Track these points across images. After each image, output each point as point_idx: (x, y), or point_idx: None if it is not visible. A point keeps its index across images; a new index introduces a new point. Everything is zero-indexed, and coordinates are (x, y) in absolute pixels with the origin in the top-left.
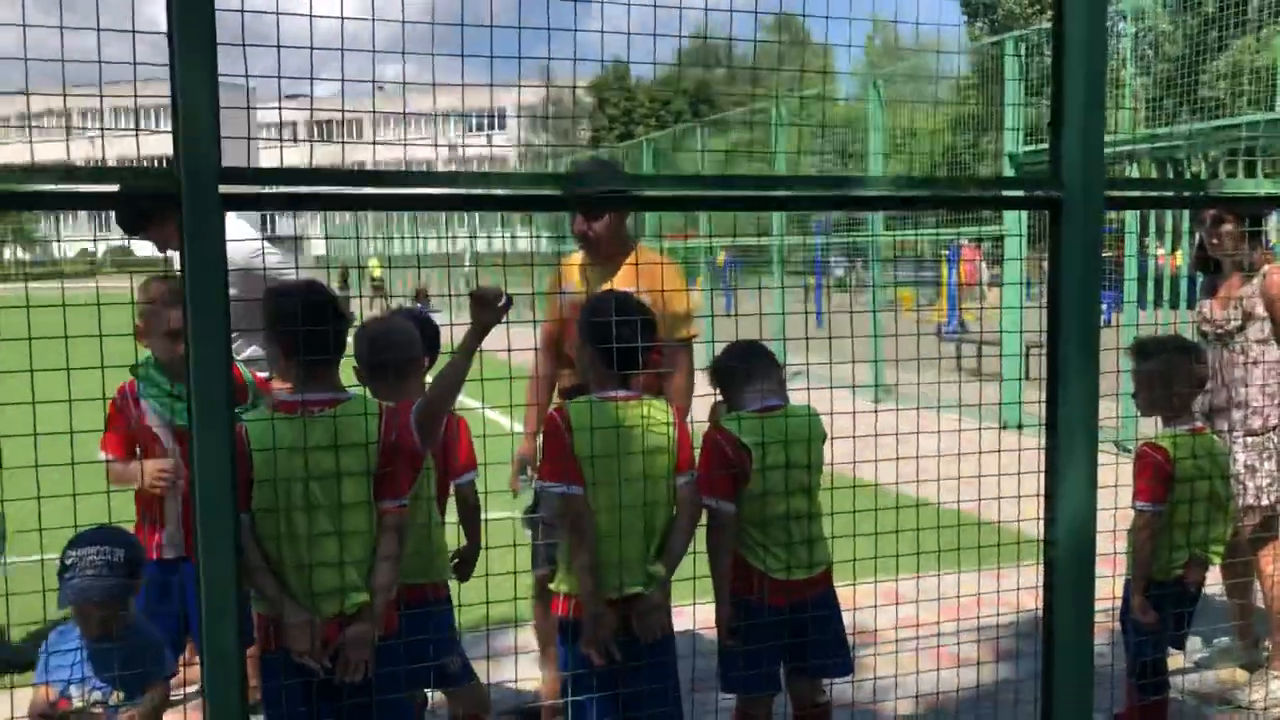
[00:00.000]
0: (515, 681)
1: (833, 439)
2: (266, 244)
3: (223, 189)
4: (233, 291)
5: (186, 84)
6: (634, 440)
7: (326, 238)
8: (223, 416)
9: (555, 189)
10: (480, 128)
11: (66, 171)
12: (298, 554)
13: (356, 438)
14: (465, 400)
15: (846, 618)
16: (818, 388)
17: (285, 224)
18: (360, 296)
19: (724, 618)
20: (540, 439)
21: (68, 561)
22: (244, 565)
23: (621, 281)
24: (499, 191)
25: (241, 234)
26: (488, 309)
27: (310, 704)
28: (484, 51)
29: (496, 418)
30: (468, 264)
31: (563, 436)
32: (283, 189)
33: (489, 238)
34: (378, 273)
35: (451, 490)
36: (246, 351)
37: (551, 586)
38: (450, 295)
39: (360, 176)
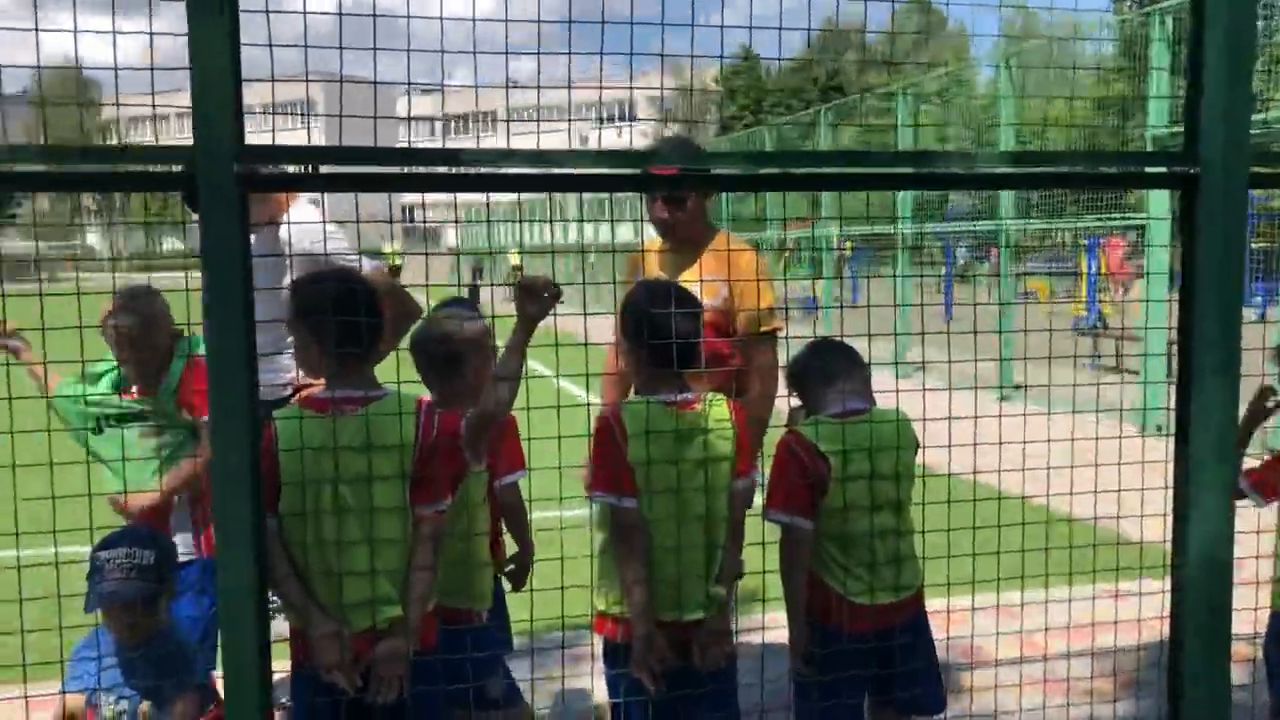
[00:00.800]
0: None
1: (952, 443)
2: (331, 228)
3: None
4: (287, 279)
5: (200, 53)
6: (694, 448)
7: (456, 222)
8: (243, 413)
9: (630, 168)
10: (611, 119)
11: (81, 152)
12: (326, 562)
13: (391, 438)
14: (538, 368)
15: (948, 640)
16: (933, 389)
17: (417, 213)
18: (491, 285)
19: (798, 644)
20: (590, 444)
21: (96, 563)
22: (270, 572)
23: (700, 270)
24: (565, 171)
25: (308, 217)
26: (535, 300)
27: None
28: (613, 45)
29: (570, 388)
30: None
31: (615, 442)
32: (287, 174)
33: (606, 222)
34: (516, 260)
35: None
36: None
37: (600, 606)
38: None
39: (391, 155)
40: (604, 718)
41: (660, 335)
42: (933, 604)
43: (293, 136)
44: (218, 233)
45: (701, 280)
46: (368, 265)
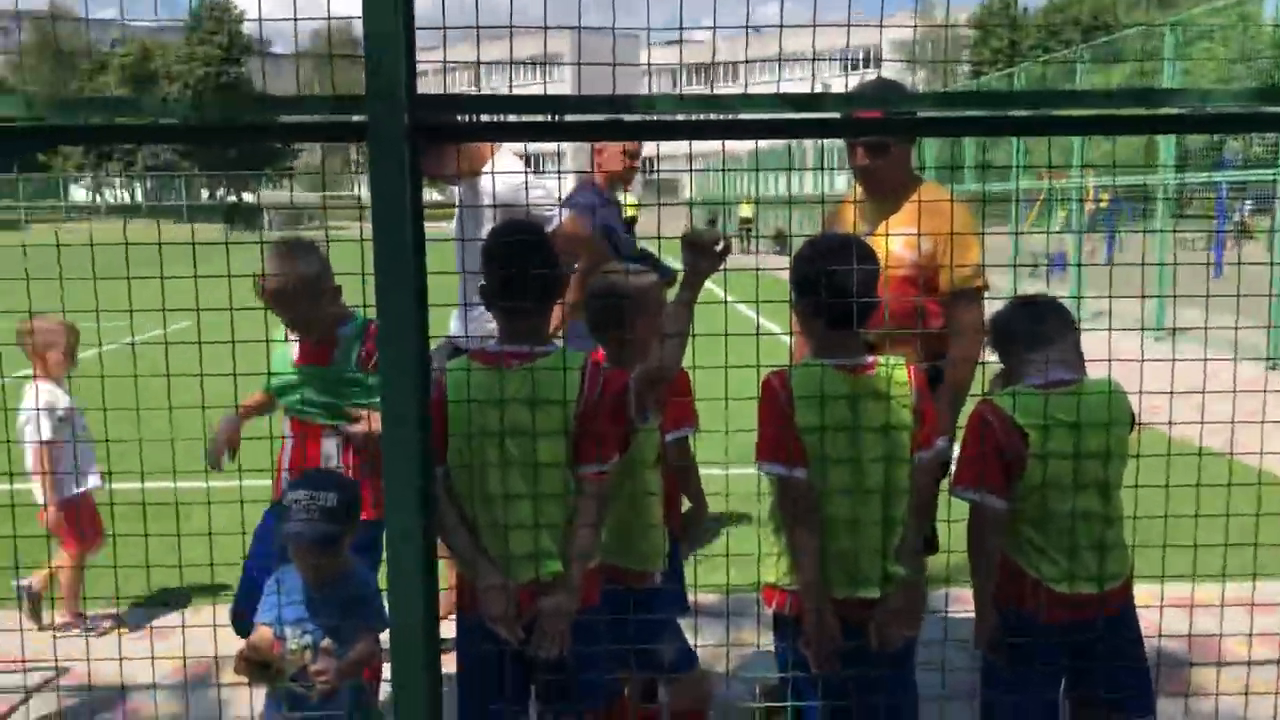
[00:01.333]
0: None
1: (1204, 416)
2: (534, 179)
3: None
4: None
5: (371, 4)
6: (870, 414)
7: (690, 171)
8: (413, 370)
9: (828, 111)
10: (855, 67)
11: (258, 100)
12: (491, 514)
13: (554, 394)
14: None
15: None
16: (1188, 358)
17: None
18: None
19: (985, 631)
20: (757, 409)
21: (285, 502)
22: (439, 522)
23: (901, 222)
24: (756, 116)
25: (510, 168)
26: (704, 255)
27: (504, 672)
28: None
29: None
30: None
31: (783, 408)
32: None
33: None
34: (748, 212)
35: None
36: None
37: (768, 578)
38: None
39: (552, 103)
40: (771, 689)
41: (834, 292)
42: (1176, 592)
43: (534, 90)
44: (387, 185)
45: (888, 233)
46: (567, 216)
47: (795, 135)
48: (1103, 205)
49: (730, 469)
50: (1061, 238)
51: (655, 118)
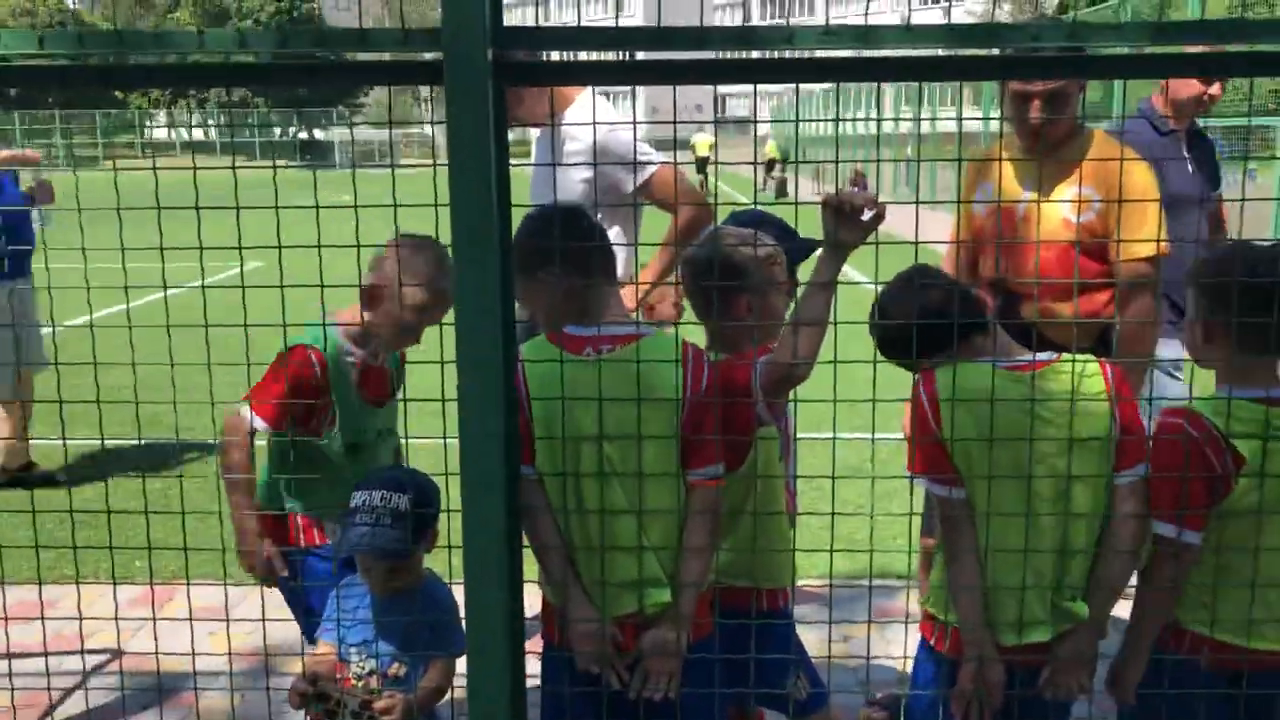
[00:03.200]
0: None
1: None
2: (621, 125)
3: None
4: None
5: None
6: (1050, 425)
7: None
8: (494, 343)
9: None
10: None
11: (317, 36)
12: (587, 533)
13: (659, 387)
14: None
15: None
16: None
17: (736, 105)
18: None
19: (1132, 676)
20: (908, 416)
21: (354, 503)
22: (534, 535)
23: (1068, 181)
24: (921, 52)
25: (594, 111)
26: (849, 225)
27: (598, 716)
28: None
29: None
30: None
31: (928, 417)
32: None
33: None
34: (774, 153)
35: None
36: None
37: (925, 605)
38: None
39: (659, 36)
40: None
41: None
42: None
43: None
44: (467, 131)
45: (1058, 199)
46: (656, 158)
47: (965, 77)
48: None
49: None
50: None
51: (793, 54)
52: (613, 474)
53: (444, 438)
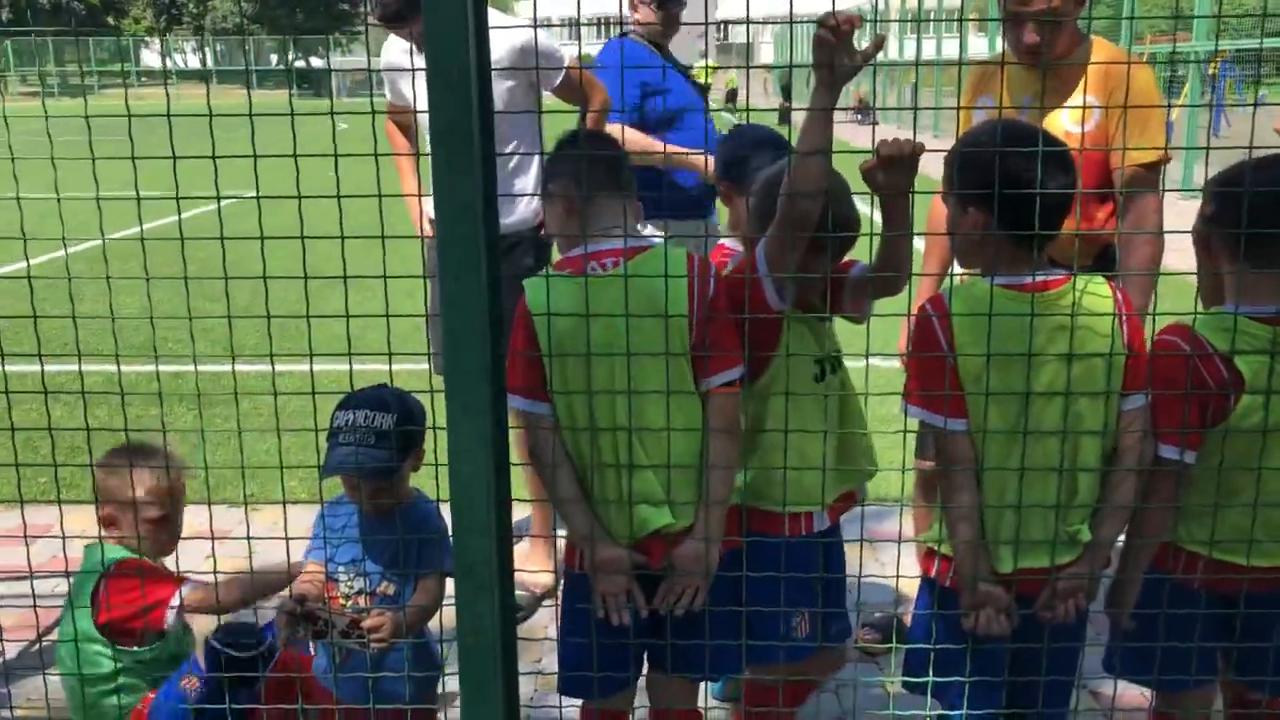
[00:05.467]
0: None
1: None
2: (542, 34)
3: None
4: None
5: None
6: (1056, 344)
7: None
8: (476, 265)
9: None
10: None
11: None
12: (601, 453)
13: (660, 299)
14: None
15: None
16: None
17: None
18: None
19: (1129, 598)
20: (909, 337)
21: (335, 423)
22: (553, 489)
23: (1069, 92)
24: None
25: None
26: (846, 51)
27: (619, 635)
28: None
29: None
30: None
31: (938, 340)
32: None
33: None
34: (734, 83)
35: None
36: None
37: (923, 539)
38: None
39: None
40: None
41: (1019, 195)
42: None
43: None
44: (446, 26)
45: (1067, 106)
46: (568, 59)
47: None
48: (1212, 73)
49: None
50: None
51: None
52: (623, 393)
53: (429, 354)
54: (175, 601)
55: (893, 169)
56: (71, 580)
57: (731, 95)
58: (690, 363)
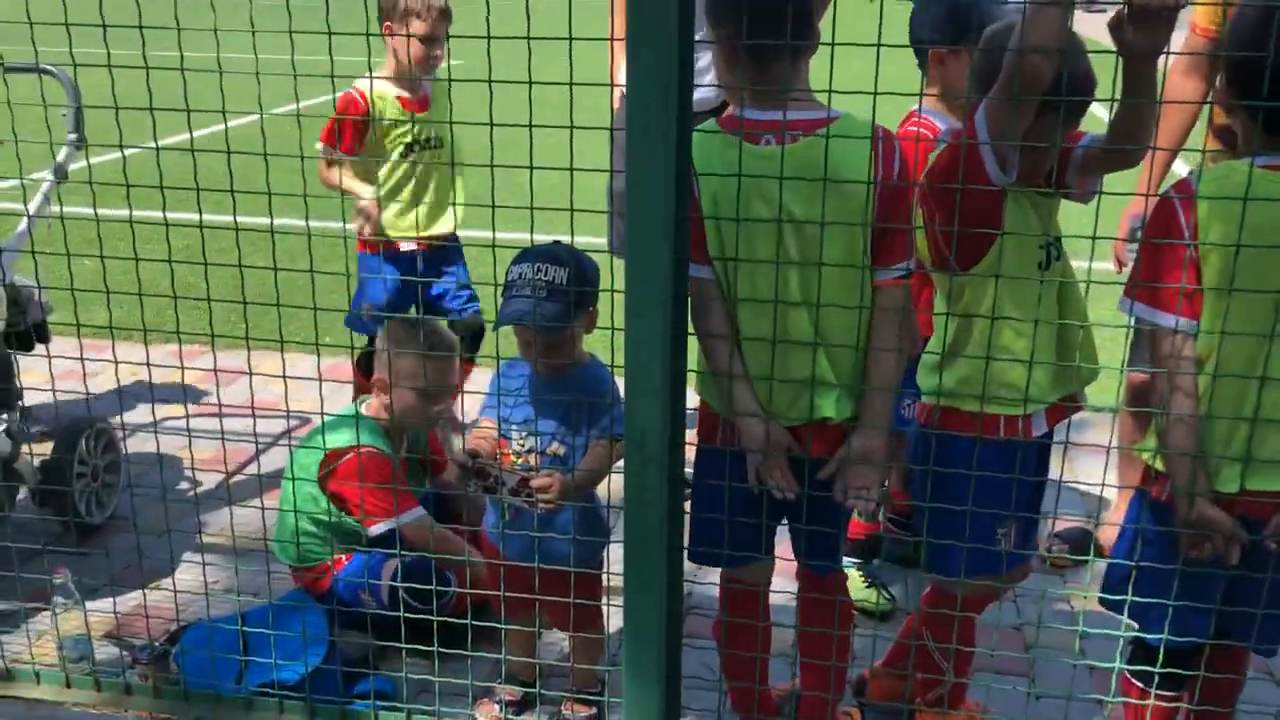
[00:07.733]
0: None
1: None
2: None
3: None
4: None
5: None
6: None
7: None
8: (664, 116)
9: None
10: None
11: None
12: (759, 329)
13: (848, 174)
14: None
15: None
16: None
17: None
18: None
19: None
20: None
21: (509, 276)
22: (701, 321)
23: None
24: None
25: None
26: (1156, 28)
27: (757, 515)
28: None
29: None
30: None
31: (1181, 230)
32: None
33: None
34: None
35: None
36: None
37: (1137, 449)
38: None
39: None
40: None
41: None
42: None
43: None
44: None
45: None
46: None
47: None
48: None
49: None
50: None
51: None
52: (791, 265)
53: (610, 212)
54: (394, 524)
55: (1146, 24)
56: (324, 420)
57: None
58: (867, 244)
